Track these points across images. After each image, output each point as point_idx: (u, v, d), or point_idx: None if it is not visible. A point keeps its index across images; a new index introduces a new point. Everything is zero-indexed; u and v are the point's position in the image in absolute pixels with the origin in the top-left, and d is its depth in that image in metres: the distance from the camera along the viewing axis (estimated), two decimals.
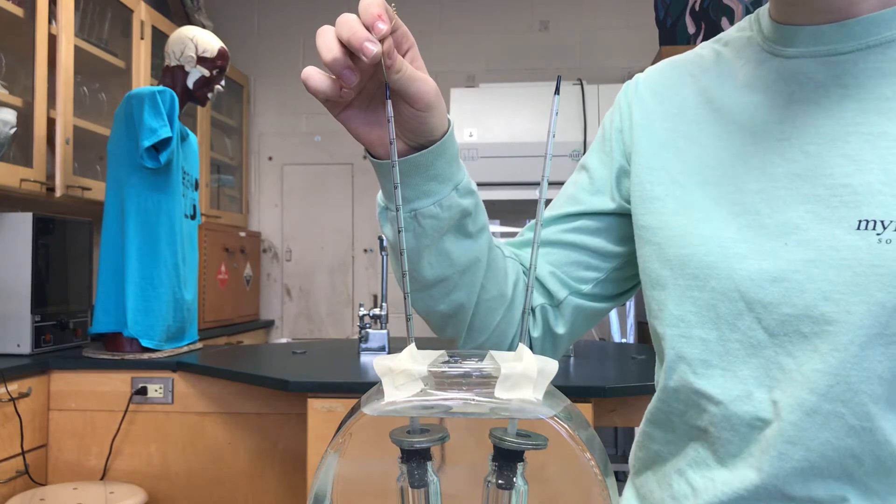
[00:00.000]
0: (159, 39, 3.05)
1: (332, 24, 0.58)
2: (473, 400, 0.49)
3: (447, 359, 0.55)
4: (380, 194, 0.69)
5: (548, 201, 0.71)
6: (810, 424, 0.61)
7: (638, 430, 0.78)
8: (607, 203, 0.79)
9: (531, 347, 0.79)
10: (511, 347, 0.77)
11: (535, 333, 0.80)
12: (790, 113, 0.67)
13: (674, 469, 0.71)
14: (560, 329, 0.80)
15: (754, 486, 0.63)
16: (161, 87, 2.30)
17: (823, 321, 0.61)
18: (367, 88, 0.62)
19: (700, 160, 0.71)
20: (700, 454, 0.68)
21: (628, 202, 0.77)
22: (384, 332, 2.48)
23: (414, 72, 0.60)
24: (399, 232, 0.58)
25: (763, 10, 0.73)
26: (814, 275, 0.62)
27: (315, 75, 0.59)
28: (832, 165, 0.64)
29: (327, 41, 0.57)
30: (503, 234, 3.94)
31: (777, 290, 0.63)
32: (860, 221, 0.61)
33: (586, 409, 1.90)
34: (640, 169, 0.74)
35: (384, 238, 0.70)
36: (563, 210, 0.81)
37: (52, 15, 2.53)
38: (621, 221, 0.79)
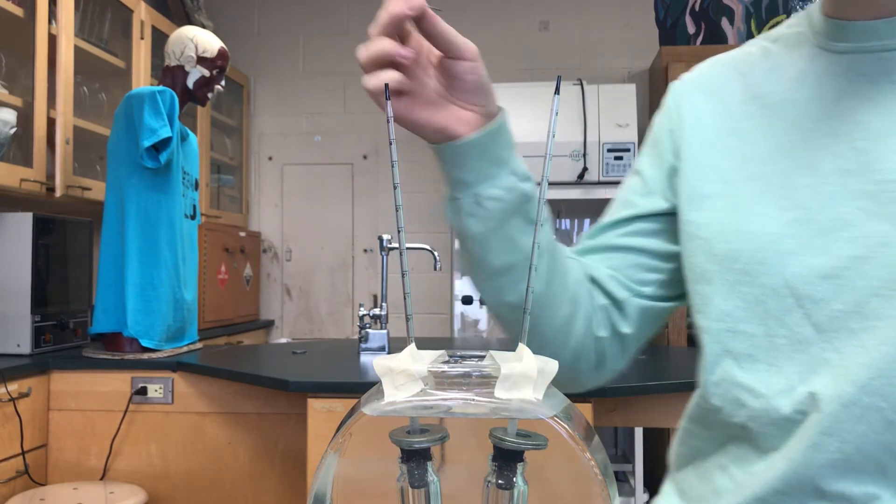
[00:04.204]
0: (159, 39, 3.05)
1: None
2: (473, 400, 0.49)
3: (447, 359, 0.55)
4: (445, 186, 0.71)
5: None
6: (847, 416, 0.61)
7: (679, 427, 0.78)
8: (660, 203, 0.79)
9: (601, 346, 0.80)
10: (570, 346, 0.77)
11: (603, 333, 0.80)
12: (840, 108, 0.67)
13: (716, 465, 0.71)
14: (625, 329, 0.80)
15: (785, 476, 0.63)
16: (161, 87, 2.30)
17: (873, 317, 0.61)
18: (419, 80, 0.66)
19: (748, 156, 0.71)
20: (742, 451, 0.68)
21: None
22: (384, 332, 2.48)
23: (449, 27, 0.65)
24: (399, 232, 0.58)
25: (814, 7, 0.73)
26: (864, 271, 0.62)
27: (380, 75, 0.62)
28: (882, 161, 0.64)
29: (369, 44, 0.62)
30: None
31: (828, 287, 0.63)
32: None
33: (586, 409, 1.90)
34: (690, 166, 0.75)
35: (455, 230, 0.72)
36: (618, 215, 0.82)
37: (52, 15, 2.52)
38: (676, 221, 0.79)
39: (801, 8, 3.58)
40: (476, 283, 0.74)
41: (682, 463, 0.76)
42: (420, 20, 0.62)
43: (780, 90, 0.72)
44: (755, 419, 0.66)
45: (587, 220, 3.88)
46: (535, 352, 0.78)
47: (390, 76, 0.62)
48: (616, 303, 0.80)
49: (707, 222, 0.72)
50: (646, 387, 2.00)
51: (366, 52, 0.62)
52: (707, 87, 0.78)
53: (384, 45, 0.61)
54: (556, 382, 0.82)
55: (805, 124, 0.69)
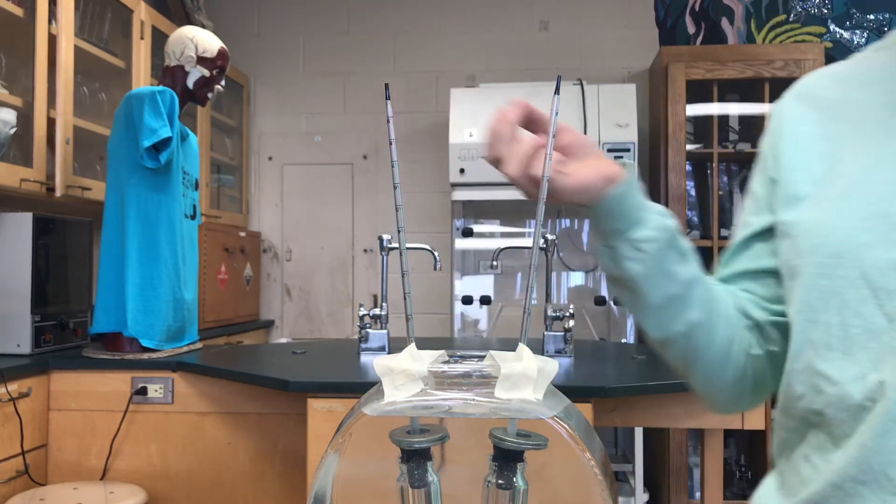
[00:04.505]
0: (159, 39, 3.05)
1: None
2: (473, 400, 0.49)
3: (447, 359, 0.55)
4: (596, 244, 0.79)
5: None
6: None
7: (774, 419, 0.82)
8: (770, 219, 0.82)
9: (757, 365, 0.83)
10: (731, 367, 0.82)
11: (757, 352, 0.84)
12: None
13: (801, 455, 0.74)
14: (773, 347, 0.84)
15: (858, 463, 0.65)
16: (161, 87, 2.30)
17: None
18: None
19: (838, 157, 0.75)
20: (819, 439, 0.71)
21: None
22: (384, 332, 2.48)
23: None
24: (399, 232, 0.58)
25: None
26: None
27: (540, 161, 0.71)
28: None
29: (512, 151, 0.72)
30: (503, 234, 3.93)
31: None
32: None
33: (586, 409, 1.89)
34: (785, 171, 0.80)
35: (611, 275, 0.78)
36: (740, 237, 0.87)
37: (52, 15, 2.52)
38: None
39: (801, 8, 3.58)
40: (640, 320, 0.80)
41: (777, 454, 0.80)
42: (529, 114, 0.74)
43: (870, 93, 0.76)
44: (831, 405, 0.69)
45: (587, 220, 3.88)
46: (700, 379, 0.83)
47: (554, 157, 0.71)
48: (757, 324, 0.83)
49: (796, 221, 0.76)
50: (646, 387, 2.00)
51: (515, 160, 0.71)
52: (805, 97, 0.83)
53: (528, 143, 0.71)
54: (720, 404, 0.86)
55: (890, 123, 0.73)
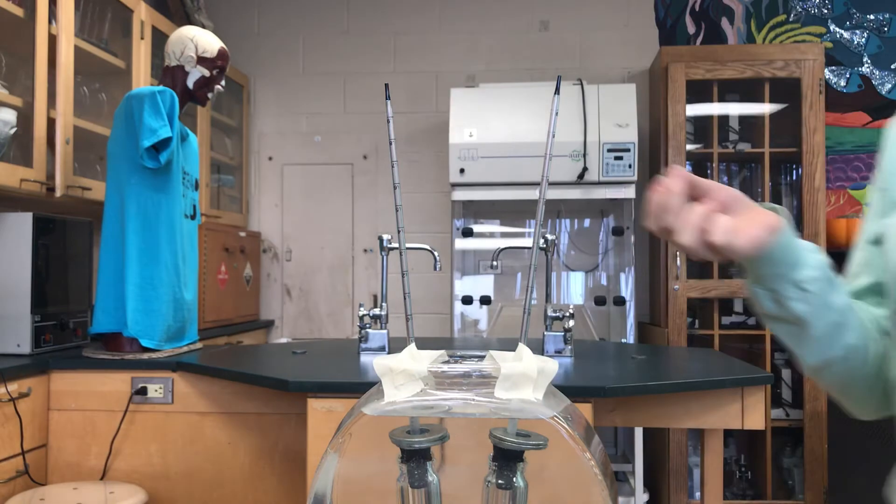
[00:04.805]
0: (159, 39, 3.05)
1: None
2: (473, 400, 0.49)
3: (447, 359, 0.55)
4: (752, 288, 0.81)
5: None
6: None
7: None
8: (878, 226, 0.86)
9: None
10: (882, 379, 0.84)
11: None
12: None
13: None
14: None
15: None
16: (161, 87, 2.30)
17: None
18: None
19: None
20: None
21: None
22: (384, 332, 2.48)
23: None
24: (399, 232, 0.58)
25: None
26: None
27: (717, 227, 0.72)
28: None
29: (685, 219, 0.72)
30: (503, 234, 3.94)
31: None
32: None
33: (586, 409, 1.89)
34: (892, 178, 0.84)
35: (770, 316, 0.80)
36: (857, 244, 0.90)
37: (52, 15, 2.52)
38: None
39: (801, 8, 3.59)
40: (797, 350, 0.82)
41: None
42: (690, 182, 0.75)
43: None
44: None
45: (587, 220, 3.88)
46: (856, 396, 0.86)
47: (725, 219, 0.72)
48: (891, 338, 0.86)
49: (893, 223, 0.80)
50: (646, 387, 2.00)
51: (689, 230, 0.72)
52: None
53: (698, 212, 0.72)
54: (871, 415, 0.87)
55: None
